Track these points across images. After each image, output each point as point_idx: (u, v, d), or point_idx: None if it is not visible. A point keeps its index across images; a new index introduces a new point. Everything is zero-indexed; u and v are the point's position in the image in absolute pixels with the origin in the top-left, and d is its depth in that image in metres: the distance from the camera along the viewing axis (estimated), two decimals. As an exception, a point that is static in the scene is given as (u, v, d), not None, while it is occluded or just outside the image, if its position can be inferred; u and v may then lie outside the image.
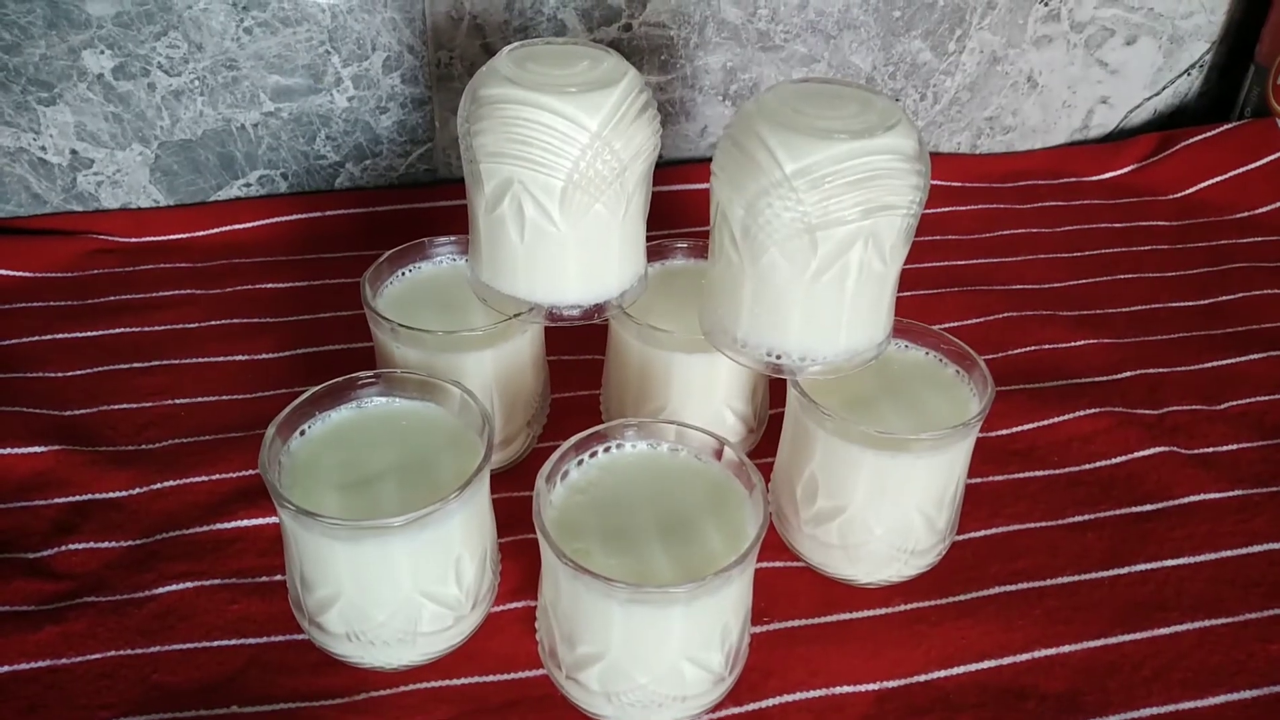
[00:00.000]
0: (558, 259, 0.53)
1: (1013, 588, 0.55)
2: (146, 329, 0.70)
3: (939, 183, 0.89)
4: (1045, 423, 0.65)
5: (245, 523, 0.56)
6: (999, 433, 0.64)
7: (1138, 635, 0.53)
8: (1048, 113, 0.95)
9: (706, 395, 0.58)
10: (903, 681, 0.50)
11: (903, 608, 0.54)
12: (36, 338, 0.69)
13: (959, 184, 0.91)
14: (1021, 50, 0.90)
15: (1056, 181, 0.92)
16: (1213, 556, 0.57)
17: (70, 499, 0.57)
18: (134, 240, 0.78)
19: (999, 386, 0.52)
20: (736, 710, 0.49)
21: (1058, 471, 0.62)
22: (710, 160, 0.50)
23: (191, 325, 0.71)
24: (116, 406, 0.64)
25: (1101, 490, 0.61)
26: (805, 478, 0.53)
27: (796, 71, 0.86)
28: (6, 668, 0.49)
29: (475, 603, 0.49)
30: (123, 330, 0.70)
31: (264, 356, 0.69)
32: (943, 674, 0.51)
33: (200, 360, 0.68)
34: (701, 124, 0.87)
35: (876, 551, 0.53)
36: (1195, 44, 0.95)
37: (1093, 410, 0.65)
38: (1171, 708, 0.49)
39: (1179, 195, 0.91)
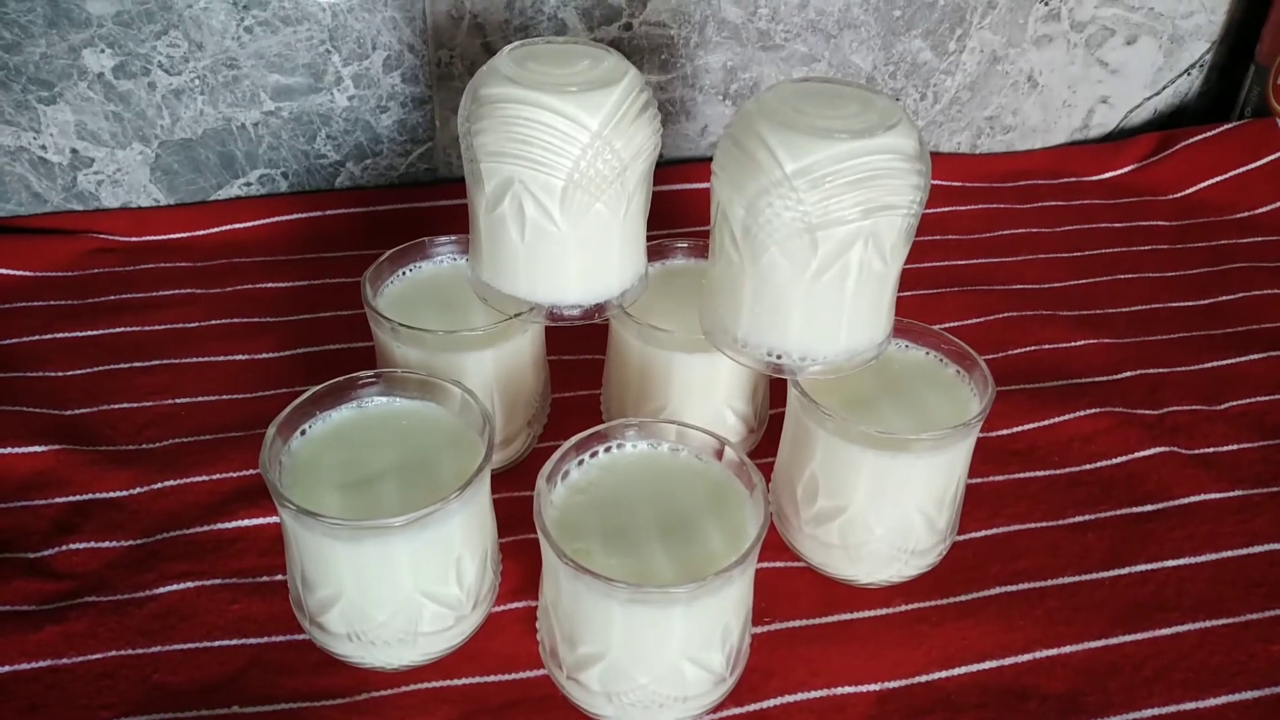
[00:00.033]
0: (558, 258, 0.53)
1: (1013, 588, 0.55)
2: (147, 328, 0.70)
3: (939, 182, 0.89)
4: (1045, 423, 0.65)
5: (246, 522, 0.56)
6: (999, 433, 0.64)
7: (1139, 636, 0.53)
8: (1048, 112, 0.95)
9: (707, 395, 0.58)
10: (904, 682, 0.50)
11: (903, 608, 0.54)
12: (37, 337, 0.69)
13: (959, 184, 0.90)
14: (1022, 50, 0.90)
15: (1057, 181, 0.92)
16: (1213, 557, 0.57)
17: (71, 498, 0.57)
18: (134, 239, 0.78)
19: (999, 386, 0.52)
20: (737, 711, 0.49)
21: (1058, 472, 0.62)
22: (711, 160, 0.50)
23: (192, 324, 0.71)
24: (117, 406, 0.64)
25: (1102, 490, 0.61)
26: (806, 478, 0.53)
27: (797, 71, 0.86)
28: (7, 667, 0.49)
29: (476, 603, 0.49)
30: (123, 329, 0.70)
31: (264, 356, 0.69)
32: (944, 674, 0.51)
33: (201, 360, 0.68)
34: (702, 123, 0.87)
35: (877, 552, 0.53)
36: (1195, 44, 0.95)
37: (1093, 410, 0.65)
38: (1173, 708, 0.49)
39: (1179, 195, 0.91)
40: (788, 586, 0.55)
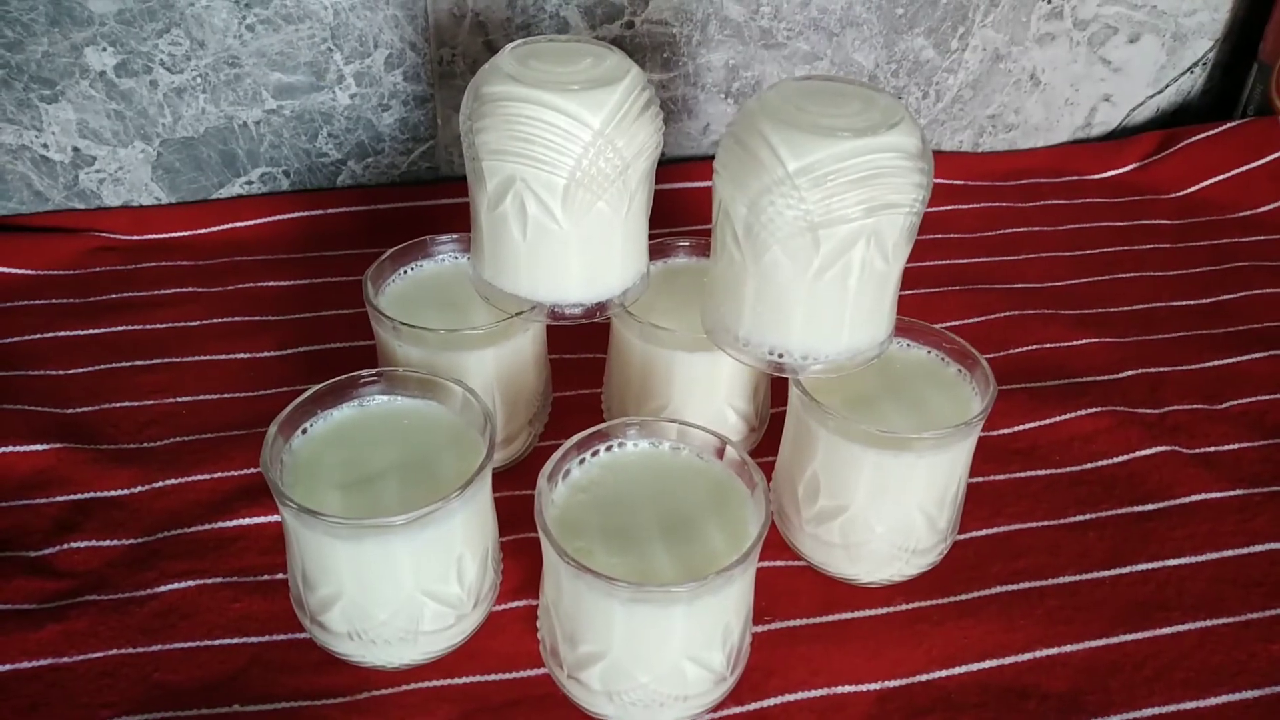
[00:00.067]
0: (560, 257, 0.52)
1: (1014, 587, 0.55)
2: (148, 327, 0.70)
3: (941, 181, 0.89)
4: (1046, 422, 0.65)
5: (247, 521, 0.56)
6: (1000, 432, 0.64)
7: (1139, 635, 0.53)
8: (1050, 111, 0.95)
9: (708, 394, 0.58)
10: (904, 681, 0.50)
11: (904, 607, 0.54)
12: (38, 335, 0.69)
13: (961, 182, 0.90)
14: (1024, 48, 0.90)
15: (1059, 180, 0.92)
16: (1214, 556, 0.57)
17: (72, 497, 0.57)
18: (136, 238, 0.78)
19: (1000, 385, 0.52)
20: (738, 710, 0.49)
21: (1059, 471, 0.62)
22: (713, 158, 0.50)
23: (193, 323, 0.71)
24: (118, 404, 0.64)
25: (1103, 490, 0.61)
26: (807, 477, 0.52)
27: (799, 69, 0.86)
28: (8, 666, 0.49)
29: (477, 602, 0.49)
30: (124, 328, 0.70)
31: (266, 354, 0.69)
32: (944, 673, 0.51)
33: (202, 358, 0.68)
34: (704, 122, 0.87)
35: (878, 551, 0.52)
36: (1198, 42, 0.95)
37: (1094, 409, 0.65)
38: (1173, 708, 0.49)
39: (1181, 194, 0.90)
40: (788, 585, 0.55)
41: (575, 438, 0.48)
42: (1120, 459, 0.63)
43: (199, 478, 0.59)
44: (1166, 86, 0.97)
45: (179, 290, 0.74)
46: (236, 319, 0.71)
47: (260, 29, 0.75)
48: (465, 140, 0.52)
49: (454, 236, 0.61)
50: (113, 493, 0.58)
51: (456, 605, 0.48)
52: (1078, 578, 0.55)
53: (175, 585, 0.53)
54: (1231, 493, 0.60)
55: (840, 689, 0.50)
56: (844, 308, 0.49)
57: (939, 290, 0.77)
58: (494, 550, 0.51)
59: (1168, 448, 0.63)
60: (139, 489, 0.58)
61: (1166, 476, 0.61)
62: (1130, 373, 0.69)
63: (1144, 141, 0.94)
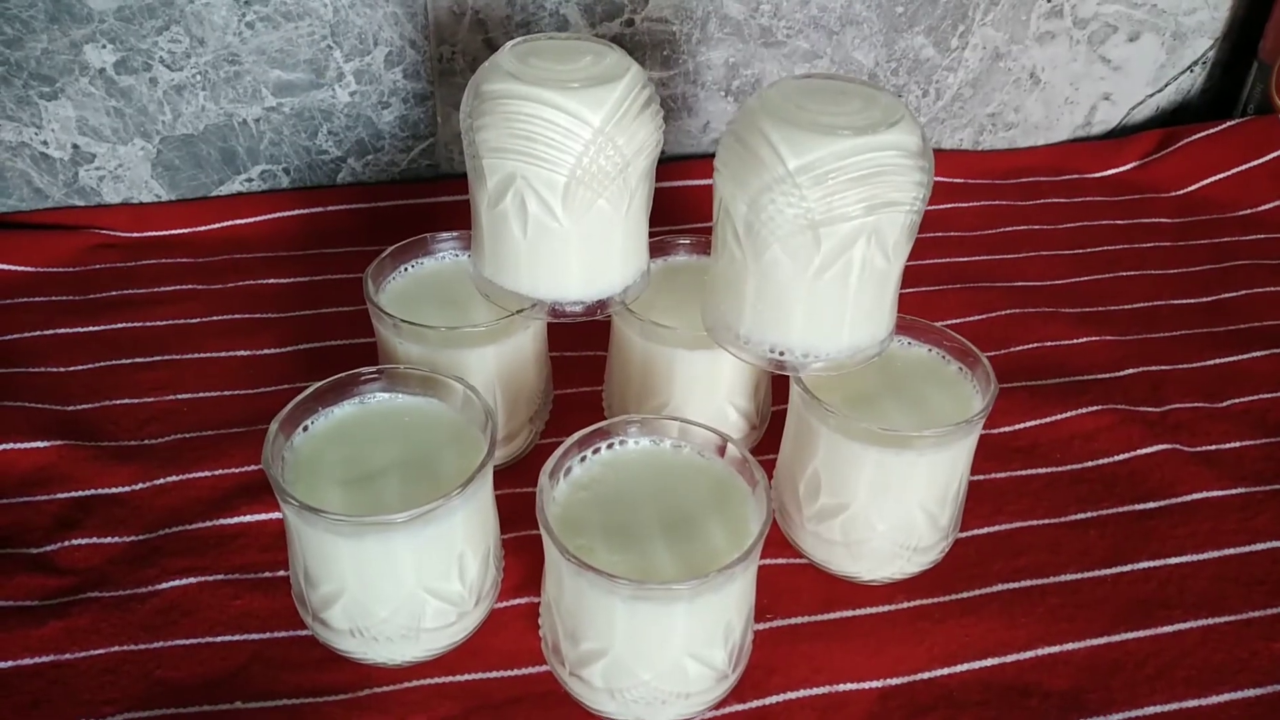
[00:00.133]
0: (560, 255, 0.52)
1: (1015, 585, 0.55)
2: (148, 324, 0.70)
3: (941, 179, 0.89)
4: (1048, 420, 0.65)
5: (248, 518, 0.56)
6: (1001, 430, 0.64)
7: (1141, 633, 0.53)
8: (1050, 109, 0.95)
9: (709, 392, 0.58)
10: (906, 679, 0.50)
11: (905, 605, 0.54)
12: (38, 333, 0.69)
13: (961, 181, 0.90)
14: (1024, 46, 0.90)
15: (1059, 178, 0.92)
16: (1215, 554, 0.57)
17: (73, 494, 0.57)
18: (136, 235, 0.78)
19: (1001, 383, 0.52)
20: (740, 707, 0.49)
21: (1060, 469, 0.62)
22: (713, 156, 0.50)
23: (193, 320, 0.71)
24: (119, 402, 0.64)
25: (1104, 488, 0.61)
26: (808, 474, 0.52)
27: (799, 67, 0.86)
28: (10, 663, 0.49)
29: (478, 599, 0.49)
30: (125, 325, 0.70)
31: (266, 352, 0.69)
32: (946, 671, 0.51)
33: (202, 355, 0.68)
34: (704, 120, 0.87)
35: (879, 548, 0.52)
36: (1198, 40, 0.95)
37: (1095, 408, 0.65)
38: (1175, 706, 0.49)
39: (1181, 192, 0.90)
40: (790, 583, 0.55)
41: (576, 435, 0.48)
42: (1121, 457, 0.63)
43: (200, 475, 0.59)
44: (1166, 85, 0.97)
45: (179, 287, 0.74)
46: (237, 316, 0.71)
47: (260, 26, 0.75)
48: (465, 138, 0.52)
49: (454, 234, 0.61)
50: (114, 490, 0.58)
51: (458, 602, 0.48)
52: (1079, 576, 0.56)
53: (176, 582, 0.53)
54: (1233, 491, 0.60)
55: (842, 687, 0.50)
56: (845, 306, 0.49)
57: (940, 288, 0.77)
58: (495, 548, 0.51)
59: (1169, 446, 0.63)
60: (140, 486, 0.58)
61: (1168, 475, 0.61)
62: (1131, 371, 0.69)
63: (1144, 140, 0.94)
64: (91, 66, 0.74)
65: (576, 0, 0.79)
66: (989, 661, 0.51)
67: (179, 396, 0.64)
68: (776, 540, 0.56)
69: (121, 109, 0.76)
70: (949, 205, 0.87)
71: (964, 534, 0.57)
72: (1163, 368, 0.70)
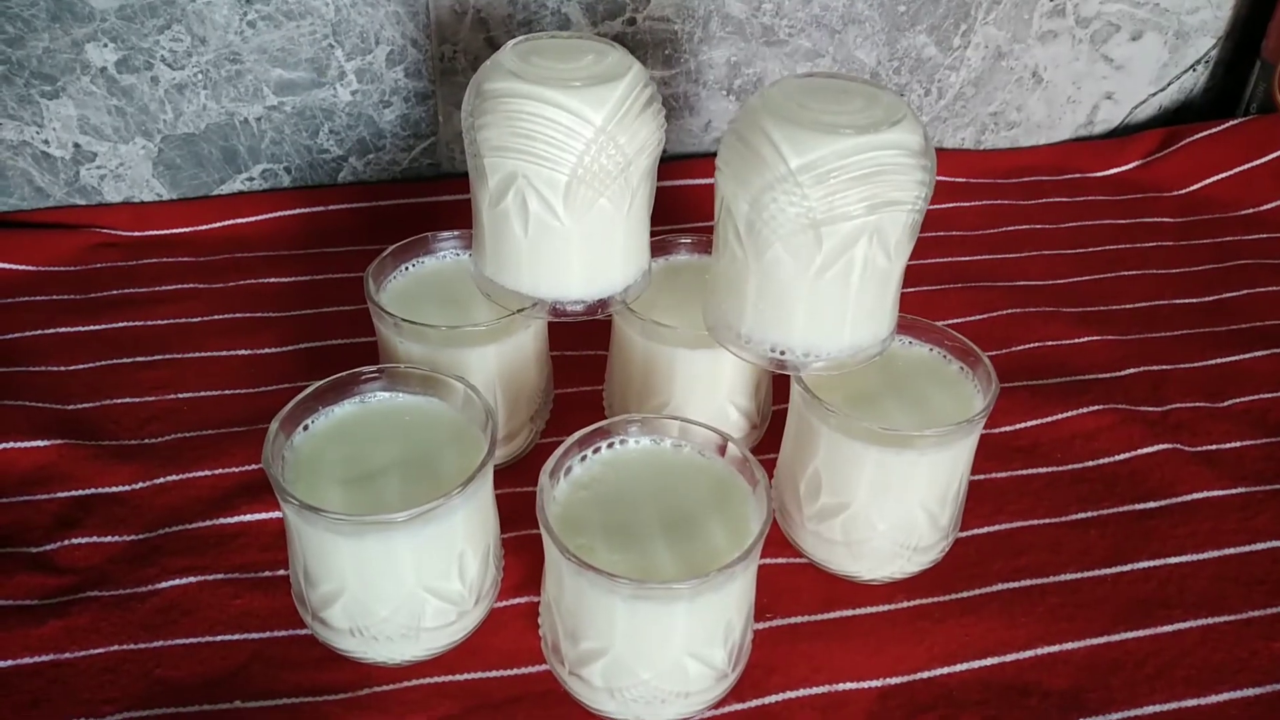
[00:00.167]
0: (561, 254, 0.52)
1: (1016, 585, 0.55)
2: (149, 323, 0.70)
3: (943, 178, 0.89)
4: (1048, 419, 0.65)
5: (248, 517, 0.56)
6: (1002, 429, 0.64)
7: (1141, 633, 0.53)
8: (1052, 108, 0.94)
9: (710, 391, 0.58)
10: (906, 678, 0.50)
11: (906, 604, 0.54)
12: (39, 332, 0.69)
13: (963, 180, 0.90)
14: (1026, 45, 0.90)
15: (1061, 177, 0.92)
16: (1216, 554, 0.57)
17: (73, 493, 0.57)
18: (137, 234, 0.78)
19: (1002, 383, 0.52)
20: (739, 707, 0.49)
21: (1061, 468, 0.62)
22: (714, 155, 0.50)
23: (194, 320, 0.71)
24: (119, 401, 0.64)
25: (1104, 487, 0.61)
26: (809, 474, 0.52)
27: (801, 66, 0.86)
28: (10, 662, 0.49)
29: (478, 598, 0.49)
30: (125, 324, 0.70)
31: (267, 351, 0.69)
32: (946, 671, 0.51)
33: (203, 355, 0.68)
34: (705, 119, 0.87)
35: (880, 548, 0.52)
36: (1201, 40, 0.95)
37: (1096, 407, 0.65)
38: (1174, 705, 0.49)
39: (1184, 192, 0.90)
40: (790, 582, 0.55)
41: (577, 434, 0.48)
42: (1122, 457, 0.63)
43: (200, 474, 0.59)
44: (1169, 84, 0.97)
45: (180, 286, 0.74)
46: (238, 315, 0.71)
47: (261, 25, 0.75)
48: (467, 137, 0.52)
49: (455, 233, 0.61)
50: (114, 489, 0.58)
51: (458, 602, 0.48)
52: (1079, 575, 0.55)
53: (177, 581, 0.53)
54: (1233, 491, 0.60)
55: (842, 686, 0.50)
56: (846, 305, 0.49)
57: (941, 288, 0.77)
58: (495, 547, 0.51)
59: (1170, 445, 0.63)
60: (140, 485, 0.58)
61: (1168, 474, 0.61)
62: (1132, 370, 0.69)
63: (1146, 139, 0.94)
64: (93, 65, 0.74)
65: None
66: (989, 661, 0.51)
67: (179, 395, 0.64)
68: (777, 540, 0.56)
69: (123, 108, 0.76)
70: (951, 204, 0.87)
71: (964, 533, 0.57)
72: (1164, 367, 0.70)
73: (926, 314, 0.56)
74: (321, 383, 0.50)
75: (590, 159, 0.49)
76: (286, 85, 0.78)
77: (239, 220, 0.80)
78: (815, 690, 0.49)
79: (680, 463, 0.49)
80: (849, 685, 0.50)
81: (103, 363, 0.67)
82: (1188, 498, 0.60)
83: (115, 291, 0.73)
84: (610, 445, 0.49)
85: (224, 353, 0.68)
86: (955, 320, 0.73)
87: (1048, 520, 0.59)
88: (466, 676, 0.50)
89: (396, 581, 0.46)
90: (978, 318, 0.74)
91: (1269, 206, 0.88)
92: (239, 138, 0.79)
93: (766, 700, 0.49)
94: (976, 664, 0.51)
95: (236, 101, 0.77)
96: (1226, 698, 0.50)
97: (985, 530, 0.58)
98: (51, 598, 0.52)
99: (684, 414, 0.51)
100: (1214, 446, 0.64)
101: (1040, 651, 0.52)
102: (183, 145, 0.78)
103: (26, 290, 0.72)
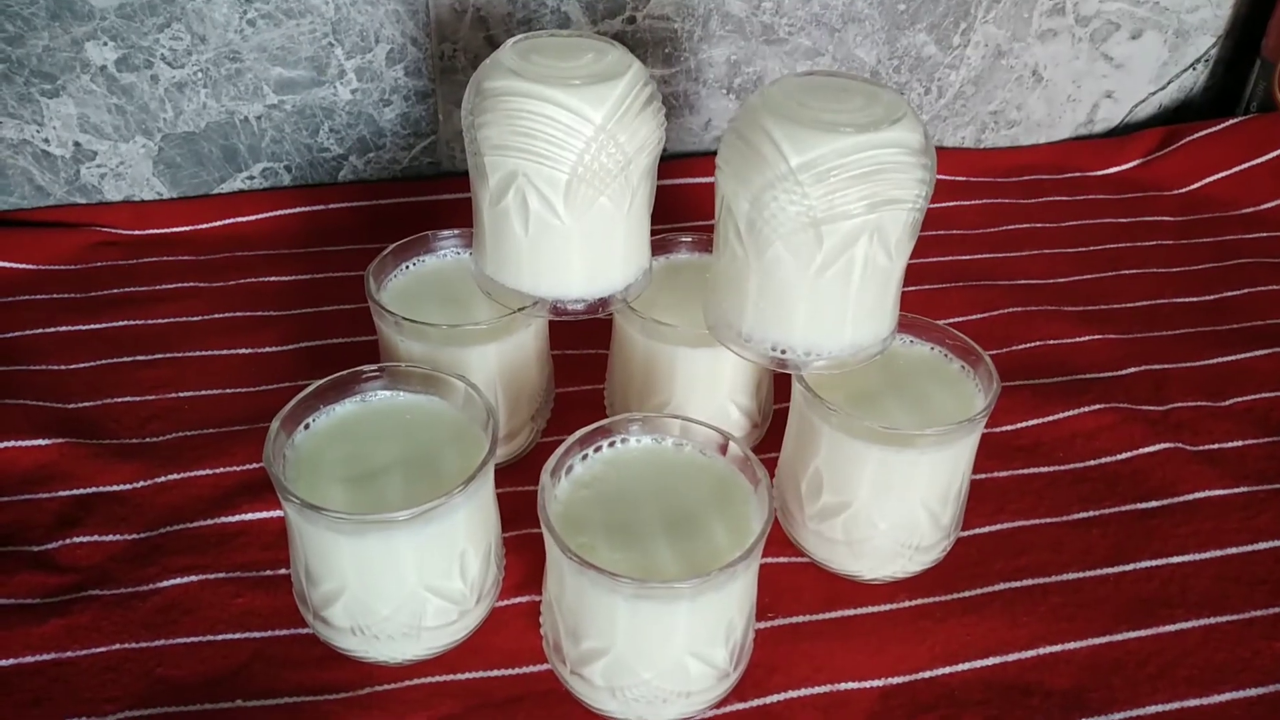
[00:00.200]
0: (562, 252, 0.52)
1: (1017, 584, 0.55)
2: (150, 322, 0.70)
3: (943, 177, 0.89)
4: (1050, 419, 0.65)
5: (249, 516, 0.56)
6: (1003, 428, 0.64)
7: (1142, 632, 0.53)
8: (1052, 107, 0.94)
9: (711, 390, 0.58)
10: (907, 678, 0.50)
11: (907, 604, 0.54)
12: (40, 330, 0.69)
13: (963, 178, 0.90)
14: (1026, 44, 0.90)
15: (1061, 176, 0.92)
16: (1218, 554, 0.57)
17: (74, 492, 0.57)
18: (137, 233, 0.78)
19: (1003, 382, 0.52)
20: (741, 706, 0.49)
21: (1062, 468, 0.62)
22: (714, 154, 0.50)
23: (195, 318, 0.71)
24: (120, 399, 0.64)
25: (1106, 486, 0.61)
26: (810, 473, 0.52)
27: (801, 65, 0.86)
28: (11, 660, 0.49)
29: (480, 597, 0.49)
30: (126, 323, 0.70)
31: (267, 350, 0.69)
32: (947, 670, 0.51)
33: (204, 353, 0.68)
34: (705, 117, 0.87)
35: (881, 547, 0.52)
36: (1201, 38, 0.95)
37: (1097, 406, 0.65)
38: (1176, 705, 0.49)
39: (1184, 190, 0.90)
40: (791, 582, 0.55)
41: (578, 433, 0.48)
42: (1123, 456, 0.62)
43: (201, 473, 0.59)
44: (1169, 83, 0.97)
45: (180, 285, 0.74)
46: (238, 314, 0.71)
47: (261, 24, 0.75)
48: (467, 135, 0.52)
49: (456, 232, 0.61)
50: (115, 488, 0.58)
51: (459, 601, 0.48)
52: (1081, 575, 0.55)
53: (178, 580, 0.53)
54: (1235, 490, 0.60)
55: (843, 686, 0.50)
56: (847, 304, 0.49)
57: (942, 286, 0.77)
58: (497, 546, 0.51)
59: (1171, 445, 0.63)
60: (141, 484, 0.58)
61: (1170, 474, 0.61)
62: (1133, 369, 0.69)
63: (1146, 138, 0.94)
64: (93, 64, 0.73)
65: (578, -2, 0.79)
66: (990, 660, 0.51)
67: (180, 394, 0.64)
68: (778, 539, 0.56)
69: (123, 106, 0.76)
70: (951, 203, 0.87)
71: (966, 533, 0.57)
72: (1165, 366, 0.70)
73: (927, 313, 0.56)
74: (322, 381, 0.50)
75: (590, 157, 0.49)
76: (286, 84, 0.77)
77: (239, 219, 0.80)
78: (817, 690, 0.49)
79: (681, 462, 0.49)
80: (851, 685, 0.50)
81: (103, 361, 0.66)
82: (1189, 497, 0.60)
83: (116, 290, 0.73)
84: (611, 444, 0.49)
85: (225, 351, 0.68)
86: (956, 319, 0.73)
87: (1049, 520, 0.59)
88: (468, 676, 0.50)
89: (398, 580, 0.46)
90: (978, 316, 0.74)
91: (1269, 205, 0.88)
92: (239, 136, 0.79)
93: (768, 700, 0.49)
94: (978, 663, 0.51)
95: (236, 100, 0.77)
96: (1229, 698, 0.50)
97: (987, 530, 0.58)
98: (53, 596, 0.52)
99: (685, 413, 0.51)
100: (1215, 446, 0.64)
101: (1042, 651, 0.52)
102: (183, 144, 0.78)
103: (27, 289, 0.72)
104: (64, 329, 0.69)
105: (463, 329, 0.54)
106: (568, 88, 0.49)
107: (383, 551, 0.45)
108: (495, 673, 0.50)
